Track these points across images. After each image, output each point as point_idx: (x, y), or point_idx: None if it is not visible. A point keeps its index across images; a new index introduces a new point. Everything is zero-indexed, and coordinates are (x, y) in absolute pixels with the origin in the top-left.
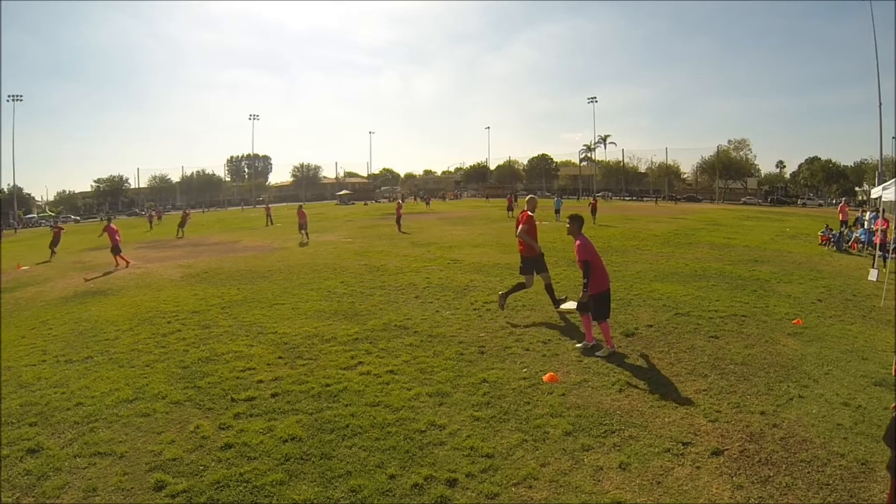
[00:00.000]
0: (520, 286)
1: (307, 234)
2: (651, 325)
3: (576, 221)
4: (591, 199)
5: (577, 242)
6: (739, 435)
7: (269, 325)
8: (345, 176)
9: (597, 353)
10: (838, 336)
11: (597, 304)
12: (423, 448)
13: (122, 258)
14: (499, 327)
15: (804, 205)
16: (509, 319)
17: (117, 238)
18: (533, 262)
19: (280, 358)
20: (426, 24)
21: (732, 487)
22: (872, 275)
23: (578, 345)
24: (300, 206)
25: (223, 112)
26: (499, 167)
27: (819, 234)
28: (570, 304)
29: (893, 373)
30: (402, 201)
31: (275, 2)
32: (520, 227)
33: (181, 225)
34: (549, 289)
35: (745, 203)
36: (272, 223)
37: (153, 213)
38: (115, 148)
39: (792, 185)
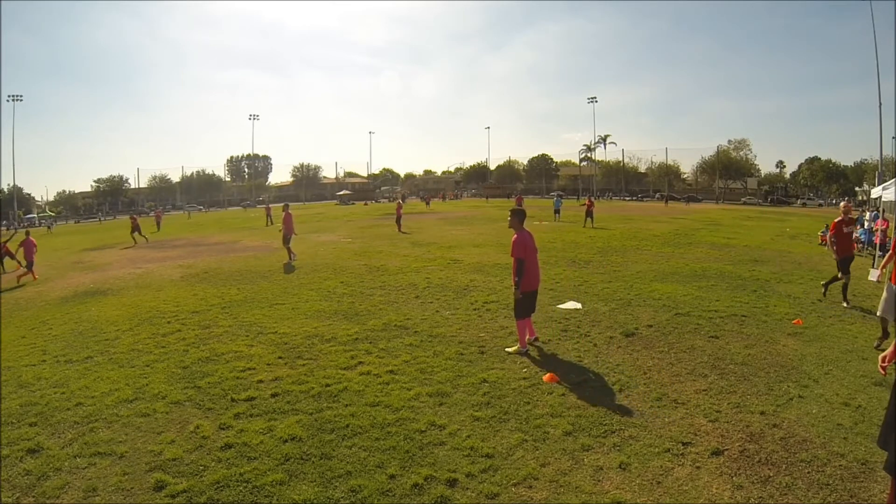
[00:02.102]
0: (836, 279)
1: (292, 253)
2: (651, 325)
3: (516, 216)
4: (585, 199)
5: (515, 237)
6: (739, 435)
7: (269, 325)
8: (345, 176)
9: (507, 349)
10: (838, 336)
11: (522, 301)
12: (423, 448)
13: None
14: (499, 327)
15: (804, 205)
16: (508, 318)
17: None
18: (845, 261)
19: (280, 358)
20: (426, 24)
21: (732, 487)
22: (872, 275)
23: (510, 349)
24: (285, 206)
25: (223, 112)
26: (499, 167)
27: (819, 234)
28: (571, 305)
29: (878, 365)
30: (403, 201)
31: (275, 2)
32: (829, 235)
33: (135, 230)
34: (844, 287)
35: (745, 203)
36: (272, 223)
37: (158, 213)
38: (115, 148)
39: (792, 185)
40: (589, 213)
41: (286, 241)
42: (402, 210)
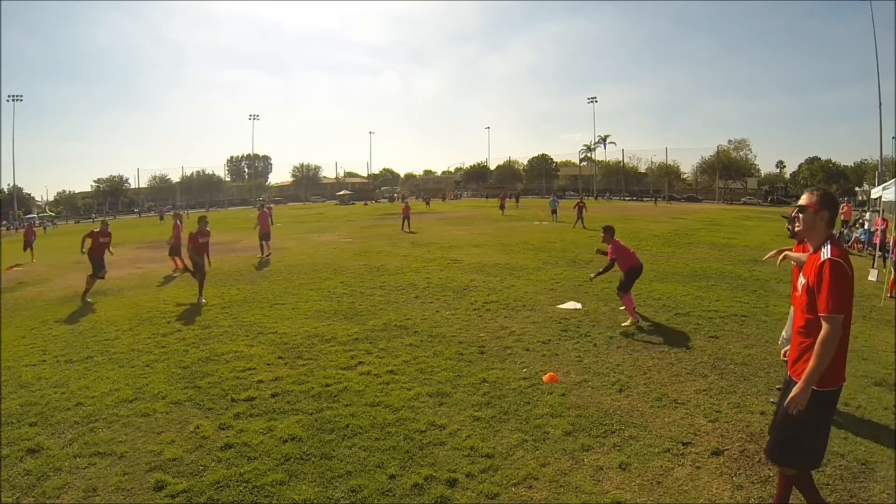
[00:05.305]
0: None
1: (264, 250)
2: (651, 325)
3: (608, 231)
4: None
5: (610, 246)
6: (739, 435)
7: (269, 325)
8: (345, 176)
9: (623, 324)
10: None
11: (625, 277)
12: (423, 448)
13: None
14: (499, 327)
15: None
16: (508, 318)
17: None
18: None
19: (280, 358)
20: (426, 24)
21: (732, 487)
22: (872, 275)
23: (625, 323)
24: (262, 206)
25: (223, 112)
26: (499, 167)
27: None
28: (571, 305)
29: (782, 357)
30: (405, 201)
31: (275, 2)
32: None
33: (28, 246)
34: None
35: (744, 203)
36: (272, 223)
37: (175, 213)
38: (115, 148)
39: (792, 185)
40: (579, 214)
41: (265, 237)
42: (409, 210)
